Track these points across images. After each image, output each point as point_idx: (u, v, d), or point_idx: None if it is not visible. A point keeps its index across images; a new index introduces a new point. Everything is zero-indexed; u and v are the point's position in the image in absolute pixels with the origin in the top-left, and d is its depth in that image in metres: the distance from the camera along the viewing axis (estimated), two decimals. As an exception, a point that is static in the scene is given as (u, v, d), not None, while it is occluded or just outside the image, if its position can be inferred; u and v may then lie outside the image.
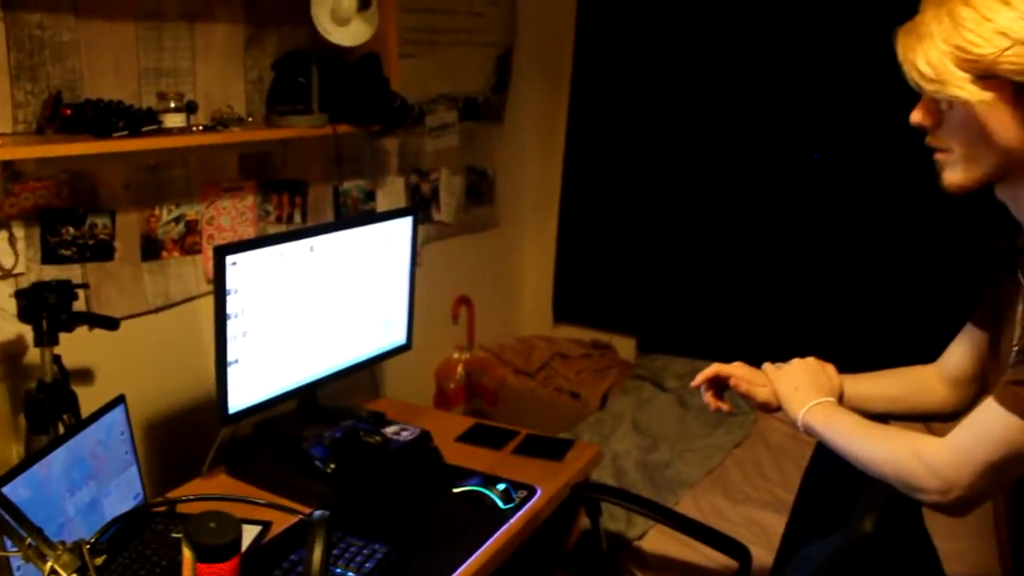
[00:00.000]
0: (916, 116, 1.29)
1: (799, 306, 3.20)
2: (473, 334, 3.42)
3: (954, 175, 1.28)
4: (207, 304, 2.38)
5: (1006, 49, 1.15)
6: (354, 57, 2.55)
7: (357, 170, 2.85)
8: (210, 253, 2.37)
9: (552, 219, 3.72)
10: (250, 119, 2.45)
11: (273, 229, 2.59)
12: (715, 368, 1.69)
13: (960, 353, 1.60)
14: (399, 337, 2.54)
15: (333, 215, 2.77)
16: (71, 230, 2.13)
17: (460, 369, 3.28)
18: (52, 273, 2.08)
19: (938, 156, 1.29)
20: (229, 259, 1.95)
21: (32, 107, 2.03)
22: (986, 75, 1.17)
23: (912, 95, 1.28)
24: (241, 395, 2.07)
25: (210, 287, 2.40)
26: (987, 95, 1.18)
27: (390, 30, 2.58)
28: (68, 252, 2.12)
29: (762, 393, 1.64)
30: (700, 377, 1.71)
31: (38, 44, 2.03)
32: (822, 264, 3.16)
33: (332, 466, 2.00)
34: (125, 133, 1.99)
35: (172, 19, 2.28)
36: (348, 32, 2.33)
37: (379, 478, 2.09)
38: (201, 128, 2.21)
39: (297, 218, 2.66)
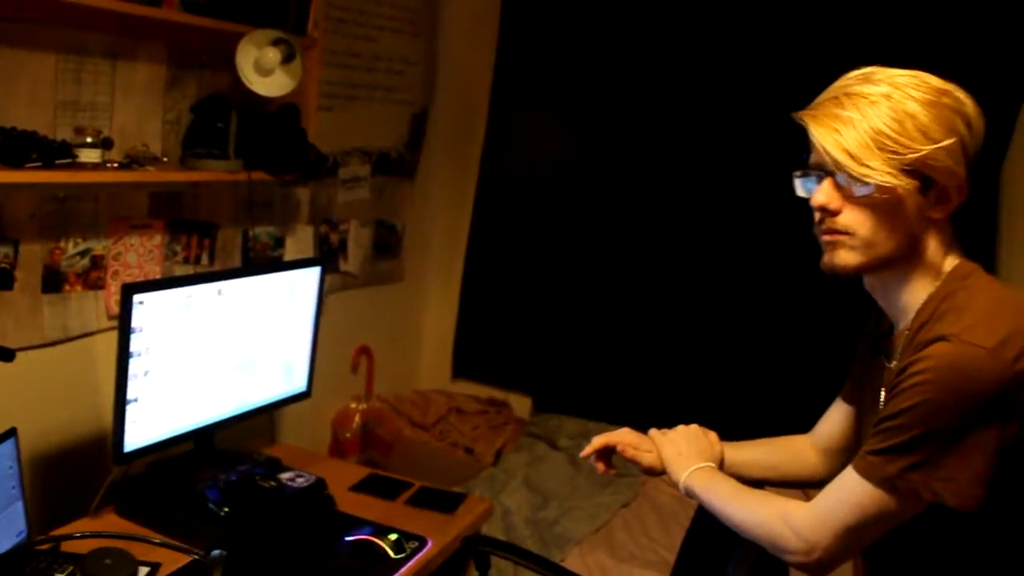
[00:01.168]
0: (821, 198, 1.33)
1: (688, 372, 3.32)
2: (372, 385, 3.45)
3: (850, 257, 1.33)
4: (106, 340, 2.37)
5: (929, 148, 1.25)
6: (274, 106, 2.59)
7: (268, 216, 2.88)
8: (114, 289, 2.37)
9: (456, 276, 3.79)
10: (165, 159, 2.45)
11: (180, 269, 2.59)
12: (602, 439, 1.76)
13: (829, 425, 1.70)
14: (299, 384, 2.56)
15: (241, 259, 2.78)
16: (-30, 257, 2.10)
17: (357, 419, 3.29)
18: (-52, 300, 2.05)
19: (835, 238, 1.34)
20: (136, 298, 1.96)
21: None
22: (908, 168, 1.26)
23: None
24: (137, 434, 2.06)
25: (111, 323, 2.38)
26: (910, 184, 1.27)
27: (311, 83, 2.64)
28: (-34, 279, 2.09)
29: (647, 458, 1.72)
30: (588, 449, 1.78)
31: (-46, 71, 2.02)
32: (711, 333, 3.29)
33: (226, 509, 2.00)
34: (38, 164, 1.99)
35: (95, 55, 2.29)
36: (270, 83, 2.37)
37: (272, 523, 2.10)
38: (116, 165, 2.22)
39: (205, 260, 2.67)
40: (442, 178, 3.72)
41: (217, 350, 2.24)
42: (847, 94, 1.30)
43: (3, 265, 2.15)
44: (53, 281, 2.27)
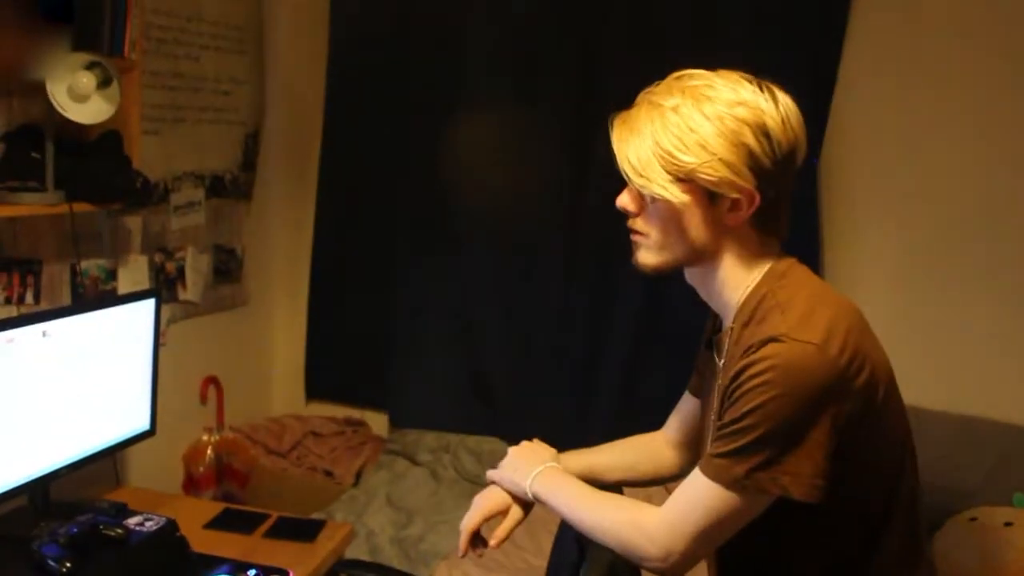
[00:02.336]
0: (622, 201, 1.42)
1: (542, 377, 3.34)
2: (223, 415, 3.32)
3: (648, 257, 1.42)
4: (-78, 394, 2.20)
5: (705, 161, 1.30)
6: (93, 133, 2.47)
7: (97, 249, 2.74)
8: (-73, 338, 2.20)
9: (302, 297, 3.70)
10: (-25, 195, 2.30)
11: (2, 311, 2.43)
12: (467, 532, 1.65)
13: (680, 419, 1.74)
14: (142, 423, 2.44)
15: (70, 295, 2.63)
16: None
17: (209, 452, 3.16)
18: None
19: (635, 238, 1.43)
20: (-52, 347, 1.82)
21: None
22: (686, 179, 1.32)
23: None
24: (-37, 492, 1.92)
25: (-74, 375, 2.21)
26: (685, 197, 1.33)
27: (133, 107, 2.52)
28: None
29: (513, 512, 1.65)
30: (462, 547, 1.66)
31: None
32: (561, 334, 3.31)
33: (67, 565, 1.87)
34: None
35: None
36: (87, 110, 2.25)
37: (122, 573, 1.99)
38: (-81, 206, 2.07)
39: (29, 299, 2.51)
40: (280, 197, 3.64)
41: (46, 395, 2.11)
42: (649, 102, 1.36)
43: None
44: None
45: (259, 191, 3.51)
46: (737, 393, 1.29)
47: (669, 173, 1.32)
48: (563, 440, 3.14)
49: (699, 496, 1.33)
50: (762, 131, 1.31)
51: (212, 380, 3.30)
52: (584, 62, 3.15)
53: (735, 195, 1.32)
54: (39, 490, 2.15)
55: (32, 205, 2.30)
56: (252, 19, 3.40)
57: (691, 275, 1.47)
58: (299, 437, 3.39)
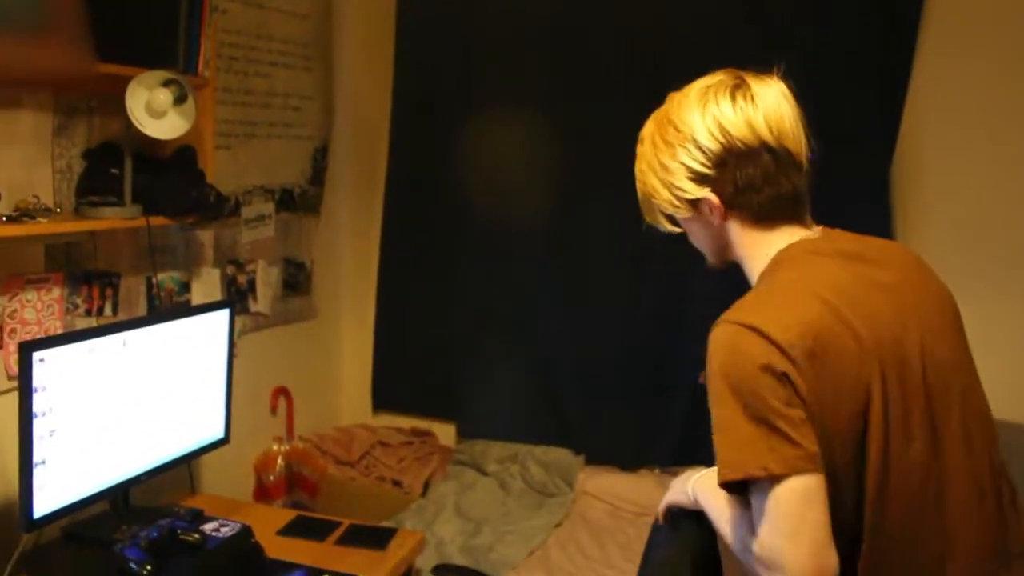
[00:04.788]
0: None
1: (611, 387, 3.33)
2: (292, 425, 3.38)
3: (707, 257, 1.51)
4: (7, 402, 2.26)
5: (656, 193, 1.44)
6: (169, 149, 2.53)
7: (171, 261, 2.80)
8: (12, 348, 2.27)
9: (369, 308, 3.75)
10: (58, 209, 2.37)
11: (82, 323, 2.50)
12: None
13: None
14: (216, 431, 2.49)
15: (146, 307, 2.70)
16: None
17: (280, 461, 3.21)
18: None
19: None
20: (36, 355, 1.88)
21: None
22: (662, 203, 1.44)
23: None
24: (48, 498, 1.97)
25: (11, 384, 2.28)
26: (688, 214, 1.43)
27: (206, 123, 2.58)
28: None
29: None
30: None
31: None
32: (632, 349, 3.31)
33: (148, 568, 1.92)
34: (-78, 225, 1.90)
35: (-29, 107, 2.21)
36: (163, 125, 2.31)
37: (198, 577, 2.03)
38: (4, 219, 2.13)
39: (108, 311, 2.58)
40: (348, 211, 3.69)
41: (126, 403, 2.16)
42: (639, 138, 1.48)
43: None
44: (-54, 344, 2.18)
45: (327, 205, 3.57)
46: None
47: (648, 202, 1.48)
48: (631, 449, 3.15)
49: (764, 509, 1.25)
50: (694, 145, 1.38)
51: (282, 391, 3.35)
52: (646, 67, 3.15)
53: (699, 204, 1.40)
54: (120, 495, 2.21)
55: (112, 219, 2.37)
56: (319, 36, 3.46)
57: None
58: (367, 447, 3.42)
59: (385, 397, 3.77)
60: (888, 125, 2.91)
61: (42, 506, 1.96)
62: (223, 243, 3.03)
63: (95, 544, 2.04)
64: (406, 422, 3.71)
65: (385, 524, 2.72)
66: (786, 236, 1.40)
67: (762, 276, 1.39)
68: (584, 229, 3.30)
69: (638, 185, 1.47)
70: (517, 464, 3.29)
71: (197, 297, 2.90)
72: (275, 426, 3.33)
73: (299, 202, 3.41)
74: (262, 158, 3.20)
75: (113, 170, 2.42)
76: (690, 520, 1.58)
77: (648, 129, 1.45)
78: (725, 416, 1.25)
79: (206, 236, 2.94)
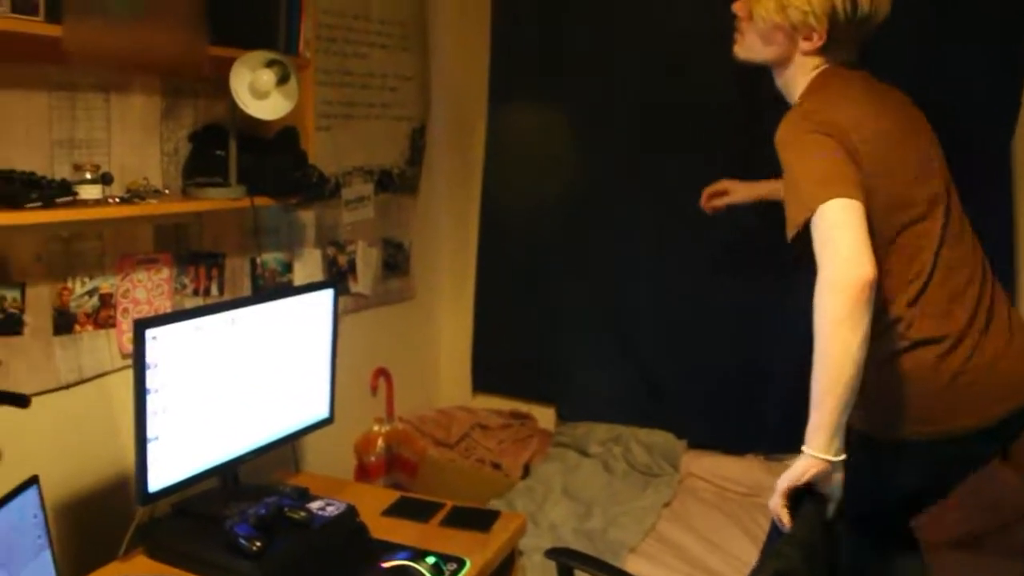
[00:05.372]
0: (737, 7, 1.91)
1: (712, 367, 3.26)
2: (392, 406, 3.39)
3: (740, 52, 1.95)
4: (121, 379, 2.32)
5: (800, 7, 1.81)
6: (272, 130, 2.55)
7: (275, 242, 2.83)
8: (125, 327, 2.32)
9: (468, 289, 3.74)
10: (167, 191, 2.41)
11: (190, 302, 2.54)
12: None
13: None
14: (321, 411, 2.50)
15: (250, 287, 2.73)
16: (-23, 304, 2.06)
17: (380, 442, 3.23)
18: (-41, 350, 2.01)
19: (737, 36, 1.94)
20: (149, 333, 1.90)
21: None
22: (784, 12, 1.83)
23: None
24: (161, 474, 2.00)
25: (125, 362, 2.33)
26: (779, 22, 1.84)
27: (307, 104, 2.58)
28: (-27, 326, 2.05)
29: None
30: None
31: (-53, 115, 1.99)
32: (729, 331, 3.23)
33: (257, 544, 1.94)
34: (38, 204, 1.94)
35: (86, 90, 2.25)
36: (267, 106, 2.32)
37: (307, 555, 2.03)
38: (117, 200, 2.17)
39: (214, 290, 2.62)
40: (446, 191, 3.68)
41: (235, 381, 2.18)
42: None
43: (12, 310, 2.11)
44: (63, 323, 2.23)
45: (425, 185, 3.56)
46: None
47: (775, 5, 1.82)
48: (734, 435, 3.08)
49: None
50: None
51: (382, 371, 3.36)
52: (745, 71, 3.04)
53: (811, 33, 1.82)
54: (229, 472, 2.23)
55: (217, 200, 2.39)
56: (416, 16, 3.44)
57: (775, 76, 1.96)
58: (466, 429, 3.42)
59: (484, 379, 3.76)
60: (1008, 95, 2.76)
61: (156, 481, 1.99)
62: (324, 224, 3.04)
63: (205, 520, 2.07)
64: (505, 404, 3.69)
65: (492, 506, 2.71)
66: (827, 66, 1.88)
67: (813, 86, 1.87)
68: (687, 212, 3.20)
69: None
70: (620, 446, 3.24)
71: (299, 278, 2.93)
72: (375, 407, 3.35)
73: (398, 183, 3.41)
74: (361, 139, 3.20)
75: (218, 152, 2.44)
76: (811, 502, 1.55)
77: None
78: None
79: (308, 217, 2.96)
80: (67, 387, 2.23)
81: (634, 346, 3.39)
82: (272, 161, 2.49)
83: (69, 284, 2.24)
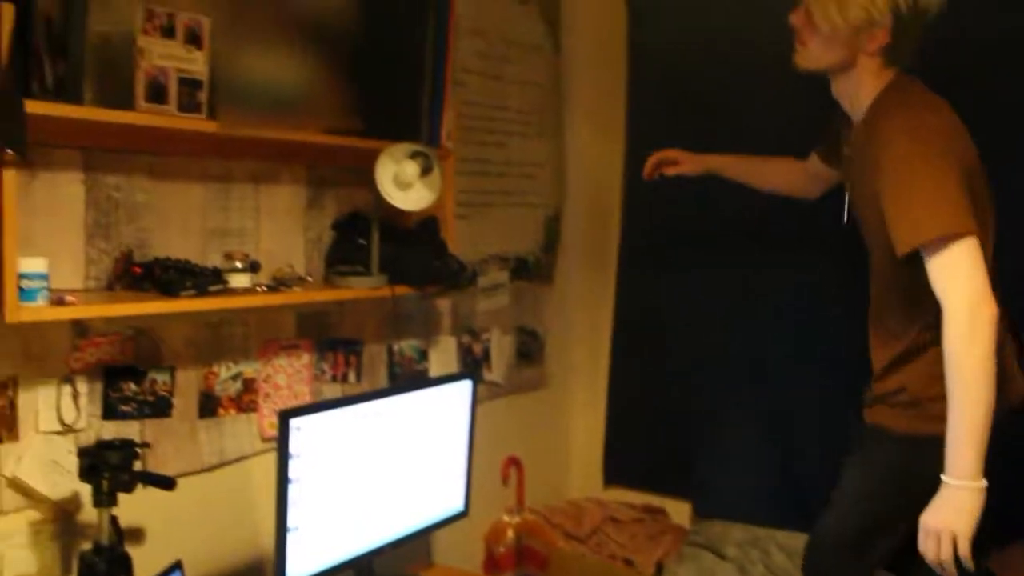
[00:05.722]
0: (794, 18, 1.96)
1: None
2: (523, 496, 3.33)
3: (804, 62, 1.98)
4: (260, 463, 2.35)
5: (865, 8, 1.85)
6: (413, 219, 2.58)
7: (411, 329, 2.85)
8: (266, 411, 2.36)
9: (601, 379, 3.68)
10: (310, 278, 2.46)
11: (328, 388, 2.57)
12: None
13: (815, 164, 2.43)
14: (456, 504, 2.48)
15: (387, 375, 2.75)
16: (132, 386, 2.13)
17: (510, 533, 3.17)
18: (111, 430, 2.08)
19: (798, 46, 1.98)
20: (293, 423, 1.92)
21: (104, 264, 2.07)
22: (847, 13, 1.88)
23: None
24: (299, 563, 2.00)
25: (264, 446, 2.37)
26: (843, 25, 1.88)
27: (448, 194, 2.61)
28: (128, 408, 2.11)
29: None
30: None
31: (114, 204, 2.09)
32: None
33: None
34: (192, 293, 2.00)
35: (239, 181, 2.34)
36: (410, 197, 2.36)
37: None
38: (264, 288, 2.22)
39: (352, 377, 2.64)
40: (580, 279, 3.66)
41: (373, 472, 2.18)
42: None
43: (162, 392, 2.18)
44: (208, 406, 2.29)
45: (560, 273, 3.55)
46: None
47: (837, 7, 1.84)
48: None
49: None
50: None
51: (513, 461, 3.32)
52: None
53: (875, 31, 1.85)
54: (365, 566, 2.22)
55: (359, 289, 2.42)
56: (553, 104, 3.48)
57: (834, 82, 2.00)
58: (598, 522, 3.33)
59: (616, 471, 3.67)
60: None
61: (294, 570, 1.98)
62: (460, 311, 3.05)
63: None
64: (638, 498, 3.59)
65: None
66: (894, 72, 1.95)
67: (893, 95, 1.92)
68: (836, 305, 3.08)
69: None
70: (758, 549, 3.09)
71: (434, 365, 2.94)
72: (506, 496, 3.30)
73: (533, 270, 3.41)
74: (498, 226, 3.22)
75: (360, 240, 2.49)
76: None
77: None
78: None
79: (444, 305, 2.98)
80: (209, 470, 2.28)
81: (775, 442, 3.25)
82: (413, 251, 2.52)
83: (215, 368, 2.30)
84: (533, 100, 3.36)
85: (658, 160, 2.68)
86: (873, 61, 1.91)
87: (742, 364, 3.30)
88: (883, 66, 1.92)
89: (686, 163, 2.64)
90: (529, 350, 3.42)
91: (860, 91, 1.95)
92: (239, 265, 2.14)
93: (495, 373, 3.21)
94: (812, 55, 1.94)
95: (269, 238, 2.42)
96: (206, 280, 2.05)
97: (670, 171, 2.66)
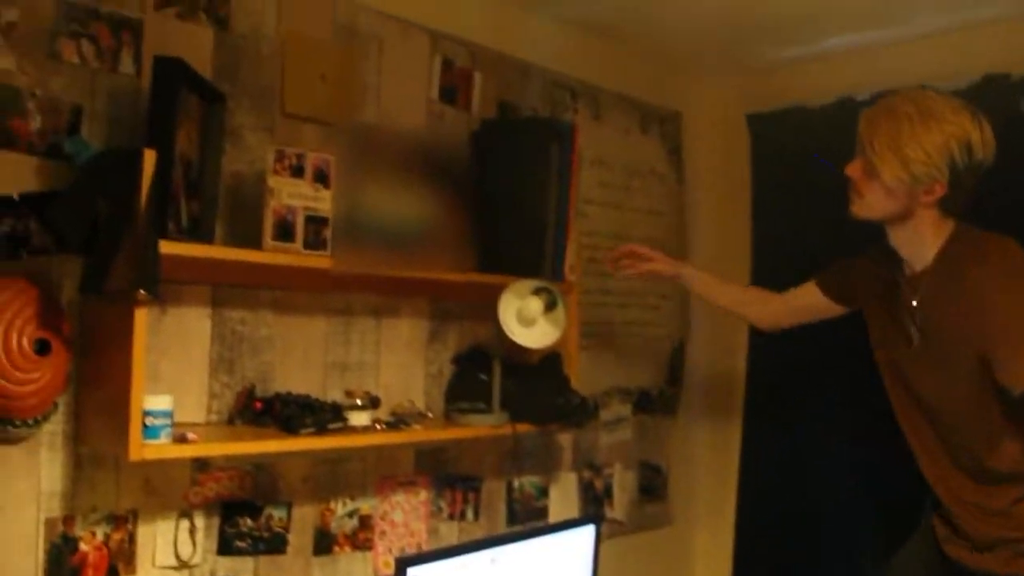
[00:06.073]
0: (852, 169, 2.00)
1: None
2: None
3: (861, 211, 2.01)
4: (374, 606, 2.28)
5: (923, 161, 1.88)
6: (535, 354, 2.53)
7: (531, 466, 2.78)
8: (381, 550, 2.31)
9: (728, 517, 3.49)
10: (430, 414, 2.43)
11: (445, 526, 2.50)
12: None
13: (807, 296, 2.46)
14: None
15: (506, 512, 2.67)
16: (248, 521, 2.11)
17: None
18: (226, 566, 2.07)
19: (853, 196, 2.01)
20: (411, 571, 1.85)
21: (226, 398, 2.09)
22: (905, 167, 1.90)
23: None
24: None
25: (378, 587, 2.30)
26: (902, 177, 1.91)
27: (572, 328, 2.55)
28: (243, 544, 2.09)
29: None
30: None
31: (238, 339, 2.11)
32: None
33: None
34: (312, 431, 1.98)
35: (360, 315, 2.34)
36: (534, 334, 2.31)
37: None
38: (383, 426, 2.18)
39: (470, 514, 2.57)
40: (705, 413, 3.52)
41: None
42: (890, 110, 1.93)
43: (278, 529, 2.15)
44: (323, 543, 2.26)
45: (684, 406, 3.44)
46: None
47: (899, 162, 1.88)
48: None
49: None
50: (965, 146, 1.87)
51: (635, 605, 3.15)
52: None
53: (933, 185, 1.89)
54: None
55: (480, 427, 2.36)
56: (675, 233, 3.42)
57: (892, 231, 2.04)
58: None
59: (743, 615, 3.45)
60: None
61: None
62: (581, 446, 2.96)
63: None
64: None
65: None
66: (950, 219, 1.98)
67: (964, 242, 1.96)
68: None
69: (885, 141, 1.90)
70: None
71: (555, 502, 2.84)
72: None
73: (656, 403, 3.30)
74: (620, 359, 3.15)
75: (481, 375, 2.44)
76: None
77: (916, 111, 1.88)
78: None
79: (565, 440, 2.90)
80: (322, 611, 2.22)
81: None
82: (535, 387, 2.46)
83: (332, 504, 2.26)
84: (656, 228, 3.31)
85: (627, 252, 2.62)
86: (930, 212, 1.96)
87: (872, 506, 3.08)
88: (941, 216, 1.97)
89: (660, 263, 2.60)
90: (652, 486, 3.29)
91: (923, 240, 1.99)
92: (359, 403, 2.11)
93: (617, 510, 3.09)
94: (869, 206, 1.99)
95: (389, 371, 2.41)
96: (326, 417, 2.03)
97: (643, 268, 2.60)
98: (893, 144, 1.89)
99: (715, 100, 3.52)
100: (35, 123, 1.82)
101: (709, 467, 3.53)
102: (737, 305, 2.65)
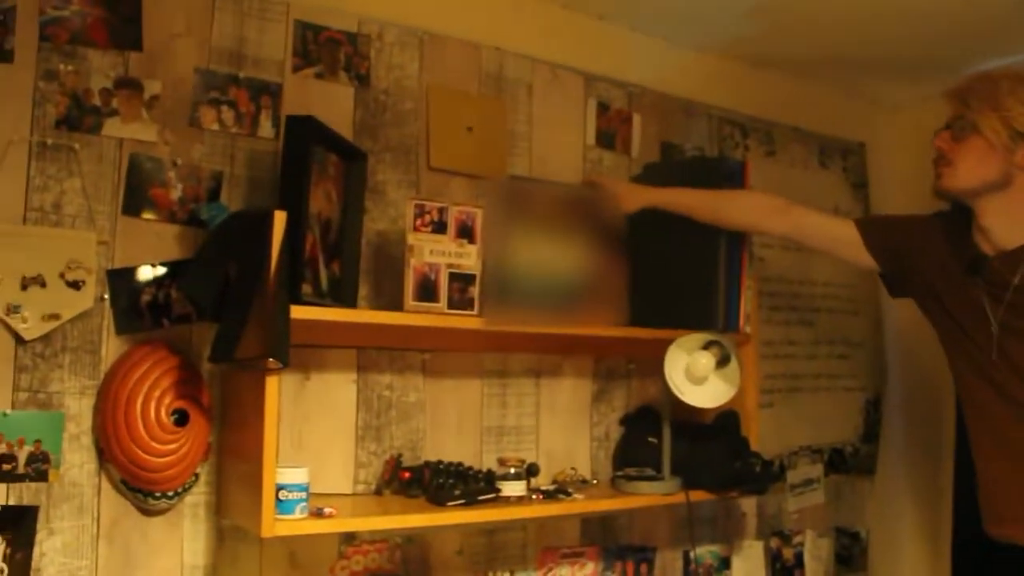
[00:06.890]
0: (940, 140, 1.91)
1: None
2: None
3: (951, 183, 1.90)
4: None
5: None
6: (709, 414, 2.31)
7: (710, 534, 2.56)
8: (544, 632, 2.13)
9: (941, 589, 3.13)
10: (595, 481, 2.26)
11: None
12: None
13: (837, 229, 2.17)
14: None
15: (684, 586, 2.45)
16: (398, 598, 1.99)
17: None
18: (376, 647, 1.94)
19: (941, 170, 1.92)
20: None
21: (373, 467, 2.02)
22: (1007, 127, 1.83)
23: None
24: None
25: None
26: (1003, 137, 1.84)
27: (749, 383, 2.32)
28: (393, 622, 1.97)
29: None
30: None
31: (385, 405, 2.03)
32: None
33: None
34: (461, 503, 1.84)
35: (517, 375, 2.21)
36: (705, 392, 2.09)
37: None
38: (541, 496, 2.02)
39: (643, 589, 2.37)
40: (908, 472, 3.17)
41: None
42: (990, 78, 1.86)
43: (430, 607, 2.02)
44: (483, 622, 2.10)
45: (883, 465, 3.11)
46: None
47: (998, 117, 1.80)
48: None
49: None
50: None
51: None
52: None
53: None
54: None
55: (649, 496, 2.16)
56: (866, 276, 3.12)
57: (985, 206, 1.88)
58: None
59: None
60: None
61: None
62: (766, 512, 2.71)
63: None
64: None
65: None
66: None
67: None
68: None
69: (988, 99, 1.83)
70: None
71: (738, 574, 2.59)
72: None
73: (850, 462, 3.01)
74: (807, 414, 2.89)
75: (651, 438, 2.25)
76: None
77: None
78: None
79: (748, 505, 2.66)
80: None
81: None
82: (710, 450, 2.24)
83: (490, 578, 2.12)
84: (843, 272, 3.03)
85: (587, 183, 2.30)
86: None
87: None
88: None
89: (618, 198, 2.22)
90: (850, 555, 3.00)
91: (1021, 210, 1.86)
92: (513, 471, 1.96)
93: (811, 584, 2.80)
94: (961, 175, 1.88)
95: (551, 435, 2.27)
96: (476, 488, 1.89)
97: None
98: (991, 99, 1.83)
99: (904, 128, 3.22)
100: (176, 192, 1.81)
101: (916, 532, 3.17)
102: (751, 222, 2.25)
